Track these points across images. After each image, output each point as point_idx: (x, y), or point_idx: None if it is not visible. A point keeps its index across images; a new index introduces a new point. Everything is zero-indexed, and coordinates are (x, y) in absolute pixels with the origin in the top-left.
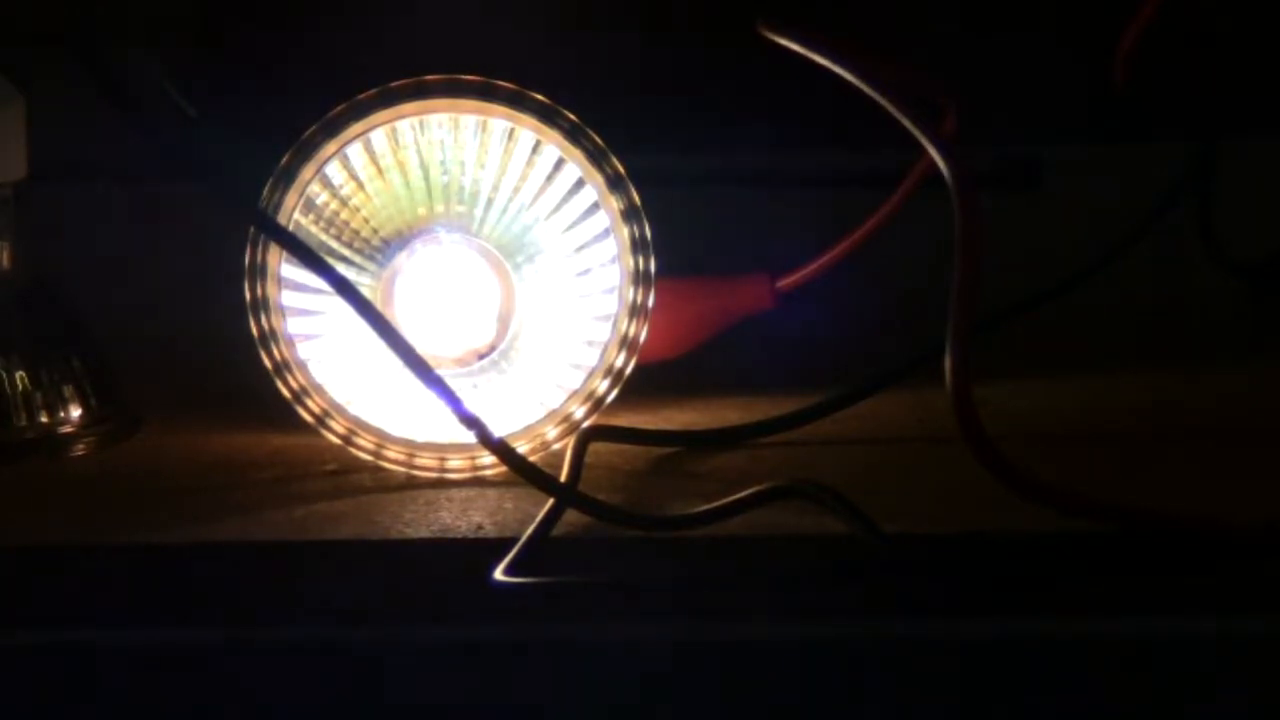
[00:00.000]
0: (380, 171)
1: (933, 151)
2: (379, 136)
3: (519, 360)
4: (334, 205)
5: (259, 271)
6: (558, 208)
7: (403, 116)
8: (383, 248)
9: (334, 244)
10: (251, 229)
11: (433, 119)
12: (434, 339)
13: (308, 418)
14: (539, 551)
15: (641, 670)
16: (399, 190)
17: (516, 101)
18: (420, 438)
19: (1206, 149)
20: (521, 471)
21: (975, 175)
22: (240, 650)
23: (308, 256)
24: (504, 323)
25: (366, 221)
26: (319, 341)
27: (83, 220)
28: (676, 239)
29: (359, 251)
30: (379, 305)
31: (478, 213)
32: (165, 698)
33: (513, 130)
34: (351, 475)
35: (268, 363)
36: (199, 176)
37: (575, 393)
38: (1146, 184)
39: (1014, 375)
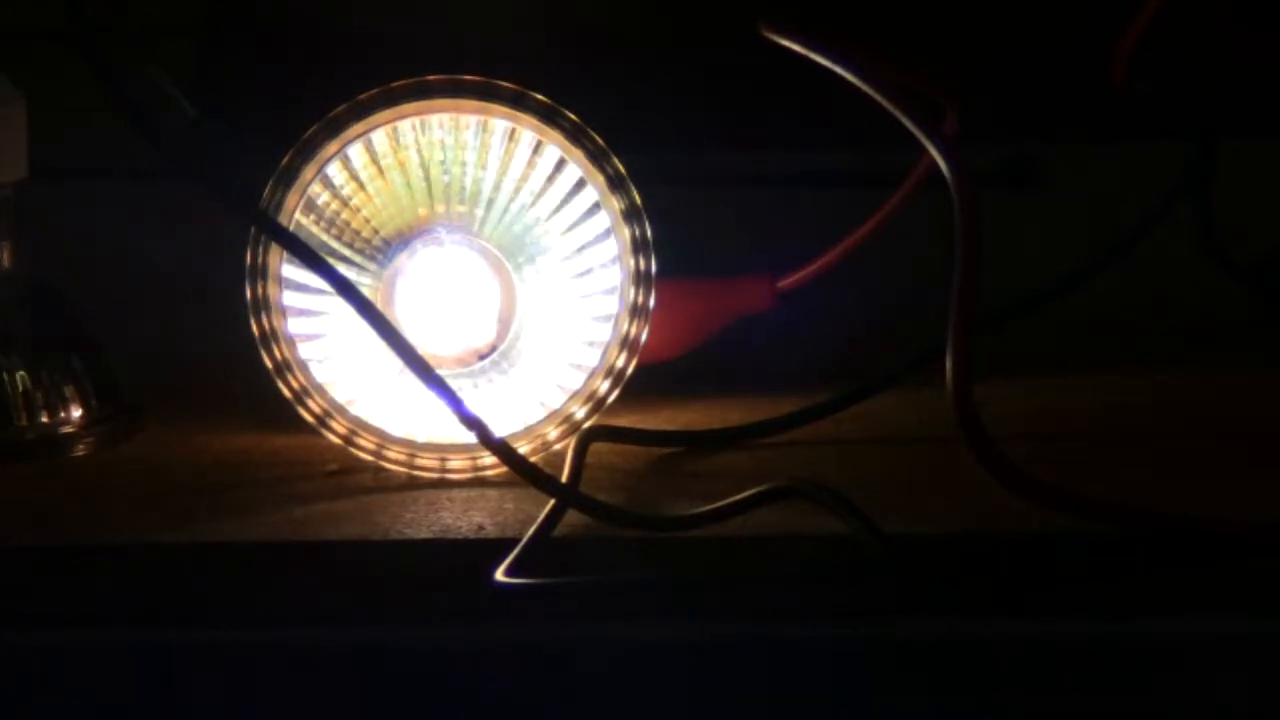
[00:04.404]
0: (381, 171)
1: (933, 151)
2: (380, 136)
3: (520, 361)
4: (335, 205)
5: (260, 272)
6: (559, 208)
7: (404, 116)
8: (384, 248)
9: (335, 244)
10: (252, 229)
11: (434, 119)
12: (435, 339)
13: (309, 418)
14: (540, 552)
15: (641, 670)
16: (400, 190)
17: (518, 102)
18: (421, 438)
19: (1207, 149)
20: (522, 472)
21: (975, 175)
22: (240, 650)
23: (309, 257)
24: (505, 323)
25: (367, 222)
26: (320, 342)
27: (83, 220)
28: (677, 239)
29: (360, 252)
30: (380, 305)
31: (479, 213)
32: (166, 697)
33: (514, 130)
34: (352, 475)
35: (269, 363)
36: (199, 176)
37: (576, 393)
38: (1147, 184)
39: (1014, 375)
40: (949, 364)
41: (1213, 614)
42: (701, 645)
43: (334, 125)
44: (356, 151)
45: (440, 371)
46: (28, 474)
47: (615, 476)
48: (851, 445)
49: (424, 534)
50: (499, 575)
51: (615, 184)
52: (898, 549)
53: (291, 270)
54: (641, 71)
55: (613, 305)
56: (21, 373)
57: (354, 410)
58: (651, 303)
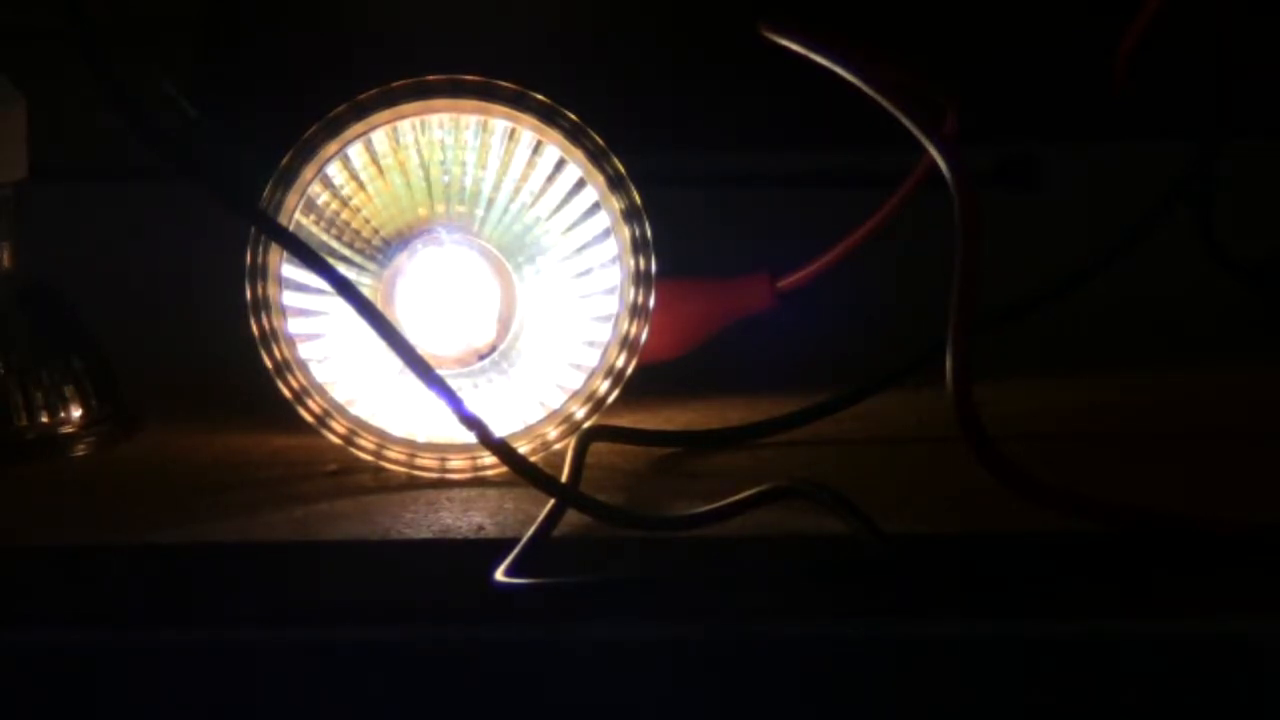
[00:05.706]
0: (381, 171)
1: (933, 151)
2: (380, 136)
3: (520, 361)
4: (335, 205)
5: (260, 272)
6: (559, 208)
7: (404, 116)
8: (383, 248)
9: (335, 244)
10: (252, 229)
11: (434, 119)
12: (435, 339)
13: (308, 418)
14: (539, 552)
15: (642, 670)
16: (400, 190)
17: (517, 101)
18: (421, 438)
19: (1206, 149)
20: (522, 472)
21: (975, 175)
22: (240, 650)
23: (308, 257)
24: (504, 323)
25: (367, 222)
26: (320, 342)
27: (83, 220)
28: (677, 239)
29: (360, 252)
30: (380, 305)
31: (478, 213)
32: (165, 698)
33: (514, 130)
34: (352, 476)
35: (268, 363)
36: (199, 177)
37: (576, 393)
38: (1146, 184)
39: (1014, 375)
40: (949, 364)
41: (1213, 614)
42: (701, 645)
43: (334, 125)
44: (356, 151)
45: (440, 371)
46: (28, 474)
47: (615, 476)
48: (851, 445)
49: (424, 534)
50: (499, 575)
51: (615, 184)
52: (898, 549)
53: (291, 270)
54: (641, 72)
55: (612, 305)
56: (21, 373)
57: (354, 410)
58: (651, 303)
